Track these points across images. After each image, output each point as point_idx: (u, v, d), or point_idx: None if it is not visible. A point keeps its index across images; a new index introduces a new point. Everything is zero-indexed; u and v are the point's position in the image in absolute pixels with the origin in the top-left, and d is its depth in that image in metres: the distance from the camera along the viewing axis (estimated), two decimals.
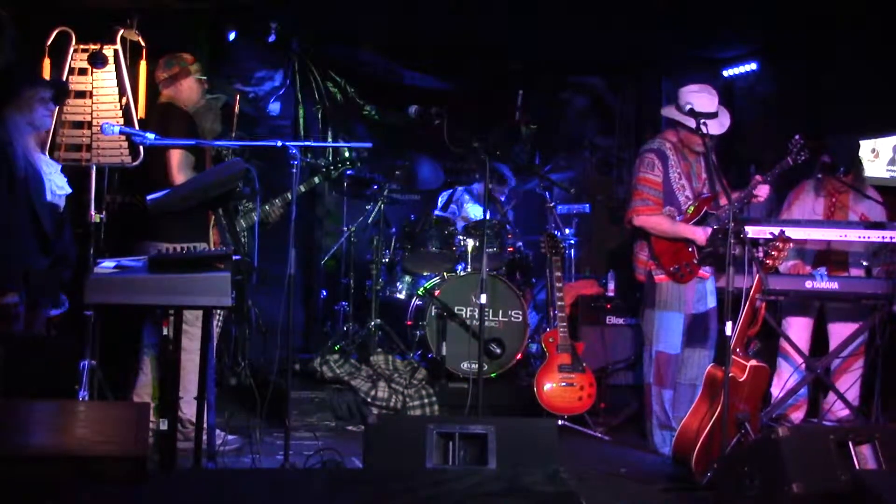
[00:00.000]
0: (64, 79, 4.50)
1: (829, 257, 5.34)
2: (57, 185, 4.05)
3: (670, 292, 4.94)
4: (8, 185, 3.79)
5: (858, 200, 5.33)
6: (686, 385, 4.96)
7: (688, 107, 4.80)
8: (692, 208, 4.93)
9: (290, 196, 5.23)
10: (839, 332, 5.28)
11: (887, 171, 6.45)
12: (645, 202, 4.94)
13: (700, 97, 4.86)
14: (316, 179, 5.86)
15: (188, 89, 4.77)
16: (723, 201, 4.76)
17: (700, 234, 4.84)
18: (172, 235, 4.38)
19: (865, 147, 6.23)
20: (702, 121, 4.65)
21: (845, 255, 5.35)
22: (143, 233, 4.58)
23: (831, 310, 5.40)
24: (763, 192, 4.82)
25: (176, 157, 4.57)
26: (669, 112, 5.05)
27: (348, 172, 6.29)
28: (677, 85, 5.21)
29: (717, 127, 4.85)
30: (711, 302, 5.02)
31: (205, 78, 4.88)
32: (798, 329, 5.38)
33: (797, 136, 4.70)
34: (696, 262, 4.88)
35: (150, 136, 4.09)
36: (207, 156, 4.81)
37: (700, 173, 5.04)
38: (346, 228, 6.53)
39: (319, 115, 7.36)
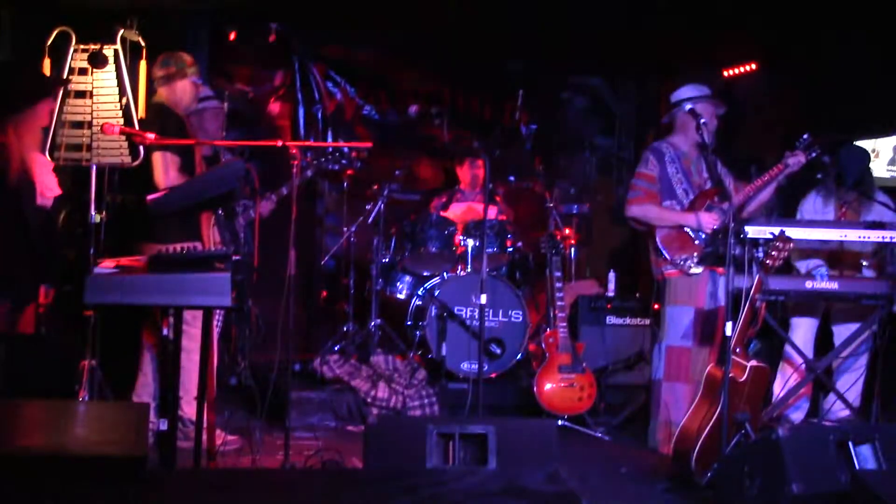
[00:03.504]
0: (64, 79, 4.50)
1: (841, 258, 5.34)
2: (47, 186, 4.05)
3: (679, 286, 4.96)
4: None
5: (869, 208, 5.33)
6: (693, 383, 4.96)
7: (687, 106, 4.88)
8: (693, 202, 4.97)
9: (284, 191, 5.23)
10: (843, 333, 5.26)
11: (887, 170, 6.45)
12: (636, 193, 5.06)
13: (688, 90, 5.04)
14: (308, 172, 5.79)
15: (181, 91, 4.76)
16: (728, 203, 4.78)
17: (691, 219, 4.88)
18: (166, 236, 4.38)
19: (866, 146, 6.23)
20: (702, 121, 4.75)
21: (857, 257, 5.35)
22: (138, 234, 4.58)
23: (836, 311, 5.40)
24: (794, 160, 4.90)
25: (159, 158, 4.53)
26: (667, 117, 5.19)
27: (344, 170, 6.27)
28: (677, 85, 5.23)
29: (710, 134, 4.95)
30: (722, 300, 5.02)
31: (200, 82, 4.88)
32: (803, 330, 5.38)
33: (805, 136, 4.78)
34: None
35: (150, 136, 4.09)
36: (198, 159, 4.80)
37: (701, 171, 5.08)
38: (346, 228, 6.53)
39: (319, 115, 7.37)
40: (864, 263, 5.32)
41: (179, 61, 4.76)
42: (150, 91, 4.76)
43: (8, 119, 3.86)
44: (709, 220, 4.87)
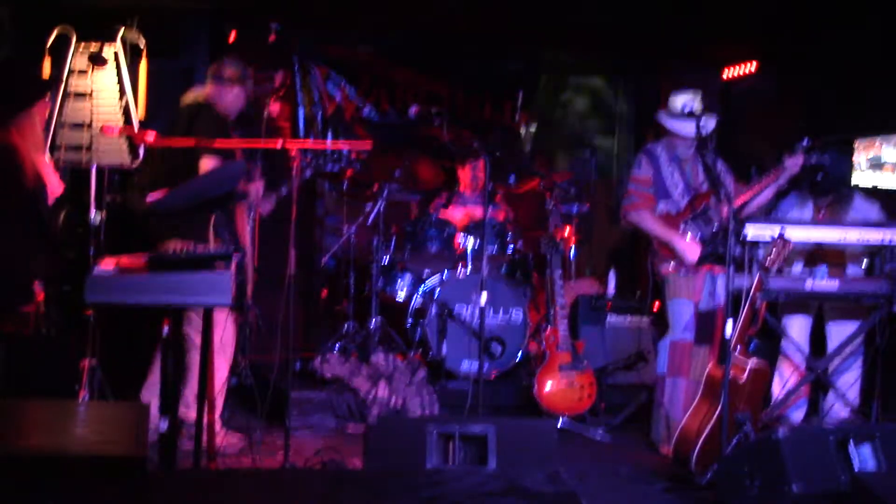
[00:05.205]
0: (64, 79, 4.50)
1: (822, 259, 5.33)
2: (55, 185, 4.06)
3: (679, 281, 4.98)
4: (14, 197, 3.79)
5: (847, 209, 5.31)
6: (693, 382, 4.96)
7: (686, 109, 4.89)
8: (691, 203, 4.98)
9: (283, 191, 5.22)
10: (838, 331, 5.27)
11: None
12: (630, 199, 5.07)
13: (676, 99, 5.04)
14: (308, 172, 5.78)
15: (235, 97, 4.75)
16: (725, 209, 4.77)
17: (680, 244, 4.90)
18: (165, 236, 4.37)
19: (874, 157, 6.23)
20: (695, 123, 4.77)
21: (842, 255, 5.34)
22: (138, 234, 4.58)
23: (829, 309, 5.40)
24: (792, 162, 4.90)
25: (209, 164, 4.37)
26: (661, 117, 5.18)
27: (344, 170, 6.28)
28: (677, 86, 5.24)
29: (690, 128, 4.90)
30: (721, 299, 5.03)
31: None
32: (797, 328, 5.38)
33: (805, 140, 4.80)
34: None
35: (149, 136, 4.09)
36: None
37: (698, 173, 5.10)
38: (346, 228, 6.53)
39: (319, 115, 7.37)
40: (864, 263, 5.31)
41: (245, 70, 4.78)
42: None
43: (9, 122, 3.87)
44: (692, 253, 4.88)
